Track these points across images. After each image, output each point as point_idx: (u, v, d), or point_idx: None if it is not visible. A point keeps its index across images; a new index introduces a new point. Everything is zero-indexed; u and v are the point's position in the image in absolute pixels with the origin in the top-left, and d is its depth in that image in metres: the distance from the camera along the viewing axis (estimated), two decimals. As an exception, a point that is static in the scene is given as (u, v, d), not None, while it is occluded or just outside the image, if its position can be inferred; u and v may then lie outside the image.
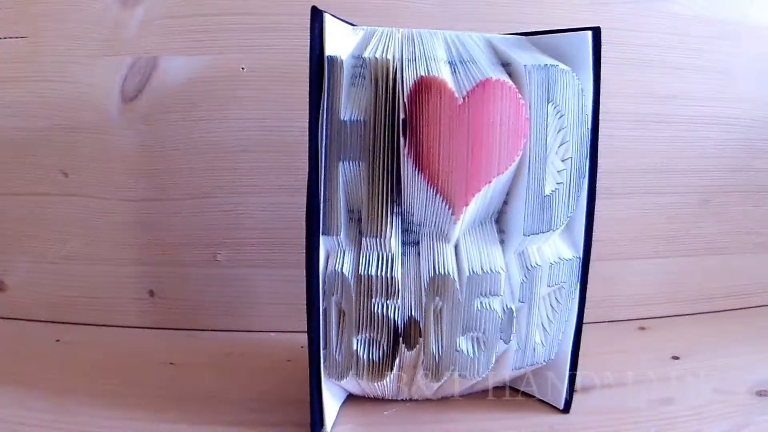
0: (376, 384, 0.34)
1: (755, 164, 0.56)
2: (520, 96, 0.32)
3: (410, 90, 0.31)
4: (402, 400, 0.38)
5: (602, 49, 0.51)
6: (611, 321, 0.54)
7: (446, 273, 0.33)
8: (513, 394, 0.40)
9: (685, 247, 0.55)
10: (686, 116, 0.54)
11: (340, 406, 0.37)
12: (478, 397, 0.39)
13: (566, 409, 0.37)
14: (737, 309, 0.56)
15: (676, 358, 0.46)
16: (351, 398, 0.38)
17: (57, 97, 0.47)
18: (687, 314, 0.55)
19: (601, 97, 0.51)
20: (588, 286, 0.52)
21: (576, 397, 0.39)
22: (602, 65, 0.51)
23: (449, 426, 0.36)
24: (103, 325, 0.49)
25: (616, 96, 0.53)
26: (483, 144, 0.32)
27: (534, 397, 0.39)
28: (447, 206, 0.32)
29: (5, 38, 0.46)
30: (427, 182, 0.32)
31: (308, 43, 0.31)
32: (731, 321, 0.54)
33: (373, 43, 0.33)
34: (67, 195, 0.48)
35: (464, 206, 0.32)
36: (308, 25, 0.31)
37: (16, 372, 0.40)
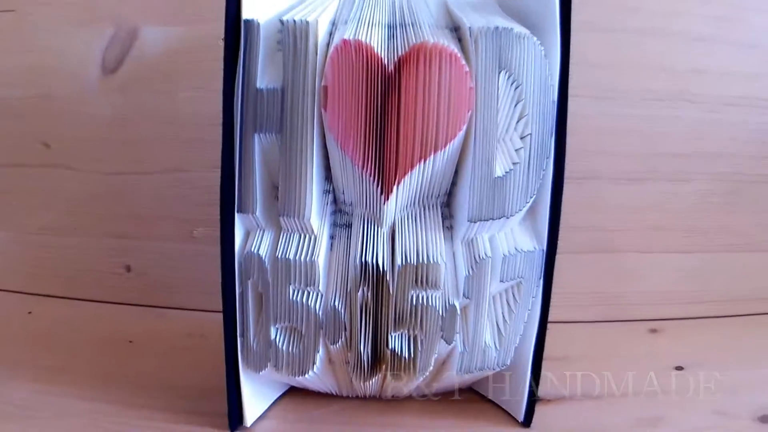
0: (300, 378, 0.31)
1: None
2: (464, 63, 0.28)
3: (332, 55, 0.28)
4: (346, 396, 0.35)
5: (621, 17, 0.46)
6: (620, 321, 0.48)
7: (375, 260, 0.29)
8: (477, 399, 0.36)
9: (712, 241, 0.49)
10: (715, 95, 0.47)
11: (277, 399, 0.35)
12: (434, 400, 0.35)
13: (527, 422, 0.33)
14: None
15: (680, 368, 0.41)
16: (295, 391, 0.36)
17: (39, 67, 0.47)
18: (707, 317, 0.48)
19: (609, 70, 0.46)
20: (596, 281, 0.48)
21: (545, 409, 0.35)
22: (621, 33, 0.46)
23: (386, 430, 0.33)
24: (78, 299, 0.48)
25: (635, 68, 0.47)
26: (416, 115, 0.28)
27: (497, 405, 0.35)
28: (376, 185, 0.29)
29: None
30: (352, 158, 0.28)
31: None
32: (757, 328, 0.47)
33: (304, 4, 0.30)
34: (48, 166, 0.48)
35: (395, 185, 0.28)
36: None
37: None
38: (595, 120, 0.47)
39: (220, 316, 0.46)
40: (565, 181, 0.47)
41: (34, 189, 0.48)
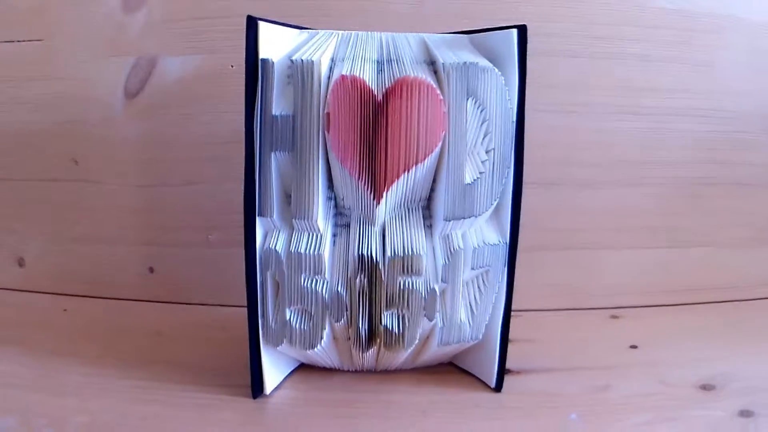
0: (310, 352, 0.38)
1: (743, 157, 0.55)
2: (439, 92, 0.35)
3: (333, 88, 0.35)
4: (347, 371, 0.41)
5: (582, 43, 0.53)
6: (584, 308, 0.55)
7: (369, 253, 0.36)
8: (457, 371, 0.43)
9: (669, 239, 0.56)
10: (667, 108, 0.54)
11: (290, 373, 0.41)
12: (421, 371, 0.42)
13: (498, 387, 0.40)
14: (718, 302, 0.56)
15: (634, 347, 0.47)
16: (304, 367, 0.42)
17: (69, 94, 0.53)
18: (664, 305, 0.55)
19: (572, 89, 0.53)
20: (565, 274, 0.55)
21: (514, 379, 0.42)
22: (583, 58, 0.53)
23: (381, 396, 0.39)
24: (108, 298, 0.55)
25: (596, 88, 0.54)
26: (401, 136, 0.35)
27: (474, 375, 0.42)
28: (369, 192, 0.35)
29: (24, 41, 0.53)
30: (350, 171, 0.35)
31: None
32: (708, 314, 0.54)
33: (308, 45, 0.36)
34: (78, 180, 0.54)
35: (385, 192, 0.35)
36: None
37: (24, 336, 0.46)
38: (561, 133, 0.54)
39: (235, 309, 0.54)
40: (535, 186, 0.55)
41: (66, 201, 0.55)
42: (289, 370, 0.41)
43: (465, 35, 0.39)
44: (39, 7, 0.53)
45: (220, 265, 0.55)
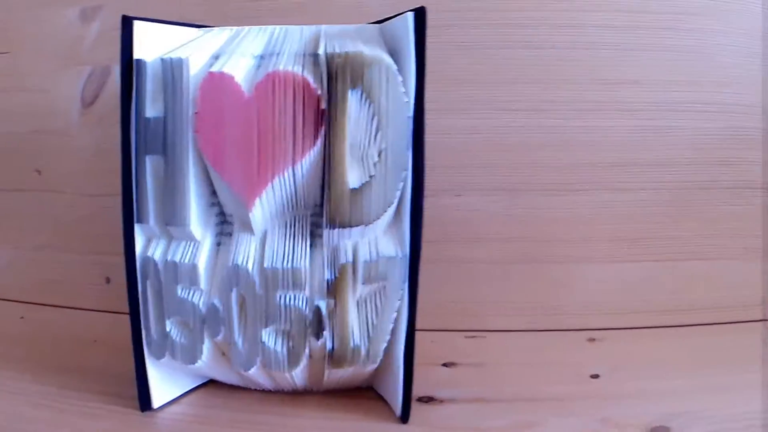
0: (194, 367, 0.35)
1: (744, 156, 0.47)
2: (316, 87, 0.32)
3: (201, 85, 0.32)
4: (259, 390, 0.38)
5: (551, 32, 0.48)
6: (558, 330, 0.49)
7: (243, 264, 0.33)
8: (374, 396, 0.38)
9: (656, 250, 0.49)
10: (653, 102, 0.48)
11: (195, 389, 0.39)
12: (335, 395, 0.38)
13: (404, 417, 0.35)
14: (714, 324, 0.48)
15: (595, 376, 0.41)
16: (214, 384, 0.40)
17: (32, 105, 0.54)
18: (650, 327, 0.48)
19: (541, 84, 0.48)
20: (538, 290, 0.49)
21: (433, 408, 0.37)
22: (552, 49, 0.48)
23: (272, 418, 0.36)
24: (66, 307, 0.55)
25: (569, 82, 0.48)
26: (271, 135, 0.32)
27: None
28: (241, 197, 0.32)
29: (-9, 55, 0.55)
30: (221, 174, 0.32)
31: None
32: (697, 338, 0.47)
33: (192, 43, 0.34)
34: (41, 190, 0.55)
35: (256, 197, 0.32)
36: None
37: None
38: (528, 133, 0.49)
39: None
40: (498, 193, 0.50)
41: (30, 211, 0.55)
42: (190, 386, 0.39)
43: (376, 25, 0.35)
44: (5, 20, 0.54)
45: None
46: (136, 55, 0.34)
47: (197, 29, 0.36)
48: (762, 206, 0.47)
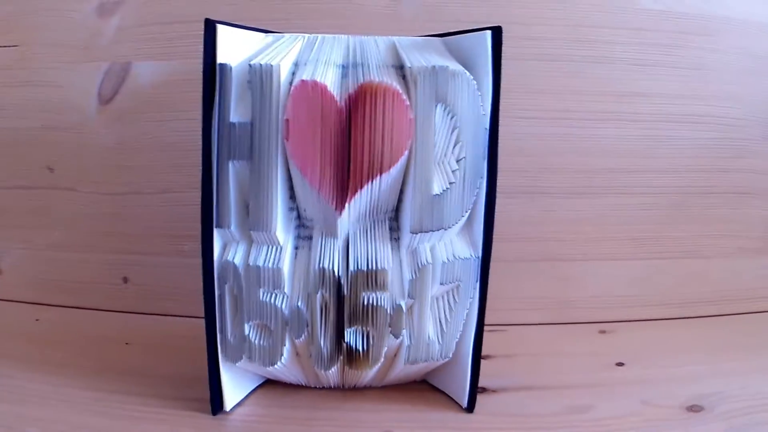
0: (271, 369, 0.36)
1: (736, 164, 0.53)
2: (405, 98, 0.33)
3: (292, 93, 0.33)
4: (315, 387, 0.40)
5: (567, 47, 0.51)
6: (571, 323, 0.53)
7: (330, 267, 0.34)
8: (429, 389, 0.41)
9: (659, 250, 0.53)
10: (657, 114, 0.52)
11: (254, 389, 0.40)
12: (390, 389, 0.40)
13: (470, 408, 0.38)
14: (711, 316, 0.53)
15: (620, 364, 0.45)
16: (270, 383, 0.40)
17: (44, 100, 0.52)
18: (654, 319, 0.53)
19: (557, 95, 0.51)
20: (551, 286, 0.53)
21: (489, 398, 0.40)
22: (568, 62, 0.51)
23: (346, 414, 0.37)
24: (81, 308, 0.53)
25: (583, 94, 0.52)
26: (364, 144, 0.33)
27: (446, 394, 0.40)
28: (330, 203, 0.34)
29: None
30: (310, 181, 0.33)
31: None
32: (698, 328, 0.52)
33: (270, 49, 0.35)
34: (53, 188, 0.53)
35: (346, 203, 0.34)
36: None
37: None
38: (546, 140, 0.52)
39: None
40: (518, 196, 0.53)
41: (41, 209, 0.53)
42: (253, 387, 0.39)
43: (438, 38, 0.37)
44: (16, 12, 0.52)
45: (194, 276, 0.52)
46: (219, 59, 0.34)
47: (264, 34, 0.37)
48: (754, 210, 0.53)
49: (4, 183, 0.54)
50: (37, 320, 0.51)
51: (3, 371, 0.41)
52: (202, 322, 0.51)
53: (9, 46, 0.52)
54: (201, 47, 0.50)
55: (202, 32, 0.50)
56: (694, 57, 0.51)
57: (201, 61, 0.50)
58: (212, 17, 0.45)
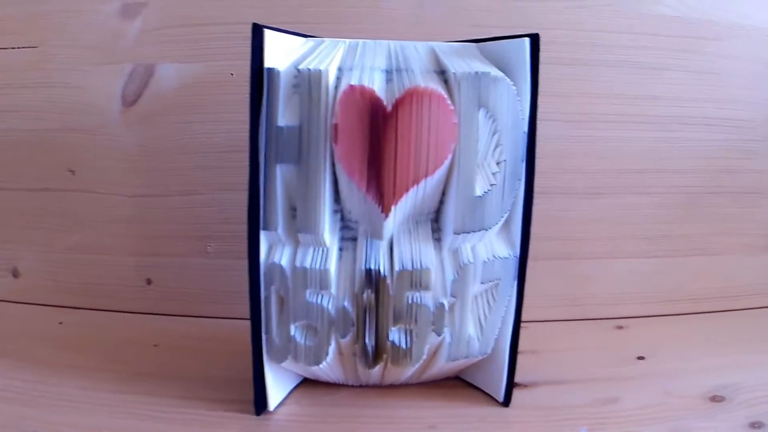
0: (315, 369, 0.37)
1: (745, 165, 0.55)
2: (449, 102, 0.34)
3: (340, 98, 0.34)
4: (352, 385, 0.41)
5: (585, 51, 0.52)
6: (589, 319, 0.55)
7: (377, 267, 0.35)
8: (463, 385, 0.42)
9: (671, 247, 0.55)
10: (671, 116, 0.54)
11: (294, 389, 0.40)
12: (427, 386, 0.41)
13: (506, 402, 0.39)
14: (722, 311, 0.55)
15: (641, 358, 0.47)
16: (308, 382, 0.41)
17: (64, 102, 0.52)
18: (669, 315, 0.55)
19: (575, 98, 0.53)
20: (568, 283, 0.55)
21: (521, 392, 0.41)
22: (585, 66, 0.52)
23: (387, 411, 0.38)
24: (104, 310, 0.53)
25: (600, 97, 0.53)
26: (410, 148, 0.34)
27: (481, 390, 0.41)
28: (377, 206, 0.35)
29: (19, 48, 0.52)
30: (357, 183, 0.34)
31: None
32: (713, 323, 0.54)
33: (315, 54, 0.36)
34: (74, 191, 0.53)
35: (392, 206, 0.34)
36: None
37: (19, 349, 0.45)
38: (564, 142, 0.53)
39: (235, 322, 0.53)
40: (538, 196, 0.54)
41: (62, 211, 0.53)
42: (293, 386, 0.40)
43: (473, 44, 0.38)
44: (36, 13, 0.52)
45: (218, 277, 0.54)
46: (267, 64, 0.34)
47: (304, 39, 0.37)
48: (762, 208, 0.55)
49: (26, 185, 0.53)
50: (60, 323, 0.51)
51: (31, 376, 0.41)
52: (229, 322, 0.52)
53: (28, 47, 0.52)
54: (225, 49, 0.52)
55: (226, 34, 0.52)
56: (707, 62, 0.53)
57: (227, 62, 0.51)
58: (236, 20, 0.46)
